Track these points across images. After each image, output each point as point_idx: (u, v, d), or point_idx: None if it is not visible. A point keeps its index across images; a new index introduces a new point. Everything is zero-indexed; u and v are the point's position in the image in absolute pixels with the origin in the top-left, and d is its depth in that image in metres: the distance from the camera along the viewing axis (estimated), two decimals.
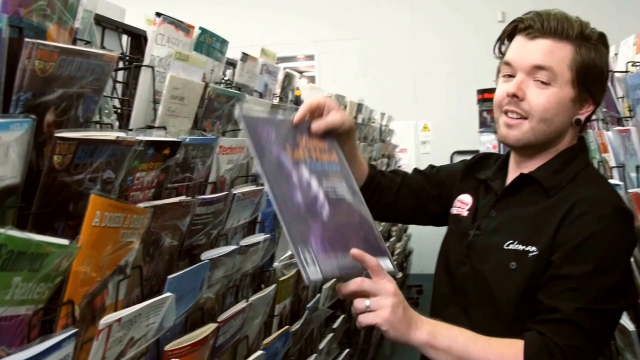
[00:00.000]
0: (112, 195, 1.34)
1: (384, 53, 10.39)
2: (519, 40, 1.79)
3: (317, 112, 1.76)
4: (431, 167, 2.20)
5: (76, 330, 1.16)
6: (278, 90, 2.99)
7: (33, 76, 1.21)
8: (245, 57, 2.49)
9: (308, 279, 1.43)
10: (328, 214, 1.55)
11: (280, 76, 2.99)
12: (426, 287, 8.10)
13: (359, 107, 5.26)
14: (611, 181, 2.14)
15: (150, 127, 1.79)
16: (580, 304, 1.60)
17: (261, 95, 2.71)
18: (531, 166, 1.81)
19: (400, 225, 7.67)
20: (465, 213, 1.93)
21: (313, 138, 1.69)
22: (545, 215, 1.72)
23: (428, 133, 10.38)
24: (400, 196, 2.09)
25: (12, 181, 1.12)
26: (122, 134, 1.38)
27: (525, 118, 1.75)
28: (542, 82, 1.73)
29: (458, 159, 9.87)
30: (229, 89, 2.28)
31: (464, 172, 2.05)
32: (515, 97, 1.75)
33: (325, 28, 10.57)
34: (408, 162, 10.00)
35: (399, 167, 8.37)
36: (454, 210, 1.97)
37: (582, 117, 1.78)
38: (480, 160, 2.06)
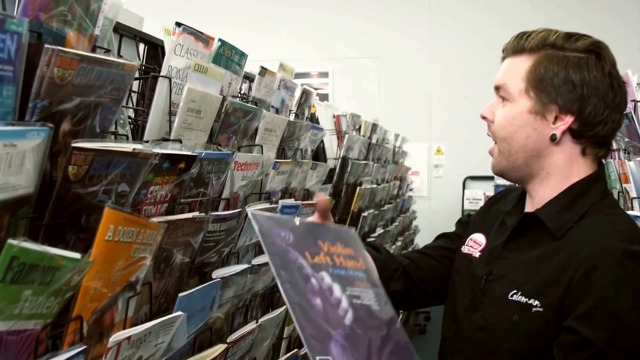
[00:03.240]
0: (127, 209, 1.32)
1: (400, 73, 10.42)
2: None
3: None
4: (459, 222, 2.13)
5: (85, 347, 1.14)
6: (294, 107, 2.98)
7: (51, 84, 1.19)
8: (263, 71, 2.48)
9: None
10: (352, 322, 1.42)
11: (298, 92, 2.97)
12: (434, 313, 8.05)
13: (374, 127, 5.24)
14: (631, 213, 2.08)
15: (166, 140, 1.77)
16: None
17: (277, 111, 2.70)
18: (538, 200, 1.75)
19: (410, 249, 7.64)
20: (477, 254, 1.87)
21: (337, 244, 1.57)
22: (550, 262, 1.64)
23: (441, 157, 10.36)
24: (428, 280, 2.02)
25: (26, 191, 1.11)
26: (138, 146, 1.36)
27: (496, 142, 1.78)
28: (503, 100, 1.75)
29: (471, 184, 10.00)
30: (247, 104, 2.27)
31: (487, 207, 2.01)
32: (485, 119, 1.80)
33: (341, 45, 10.61)
34: (420, 185, 10.01)
35: (411, 189, 8.36)
36: (465, 250, 1.92)
37: (558, 132, 1.69)
38: (505, 193, 2.01)
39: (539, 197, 1.75)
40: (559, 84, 1.67)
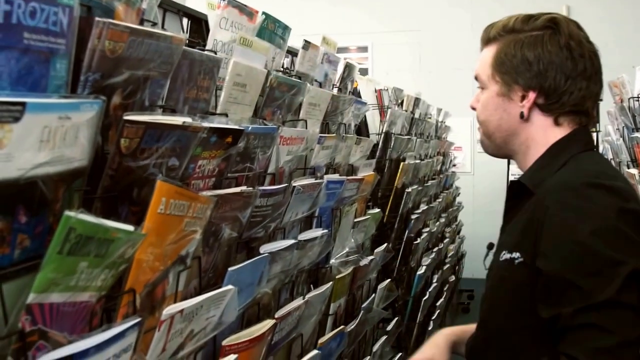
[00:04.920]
0: (178, 182, 1.34)
1: (441, 46, 10.32)
2: None
3: None
4: None
5: (140, 319, 1.17)
6: (337, 81, 2.98)
7: (102, 57, 1.21)
8: (307, 45, 2.49)
9: None
10: None
11: (341, 66, 2.98)
12: (477, 291, 8.04)
13: (416, 101, 5.21)
14: None
15: (212, 114, 1.79)
16: (579, 302, 1.52)
17: (321, 85, 2.71)
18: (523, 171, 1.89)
19: (453, 226, 7.64)
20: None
21: None
22: (527, 216, 1.71)
23: None
24: None
25: (80, 163, 1.13)
26: (188, 119, 1.38)
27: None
28: (482, 89, 1.92)
29: None
30: (291, 78, 2.28)
31: None
32: (474, 109, 1.96)
33: (380, 19, 10.53)
34: (462, 160, 9.95)
35: (454, 165, 8.32)
36: None
37: (524, 110, 1.81)
38: None
39: (525, 168, 1.87)
40: (517, 65, 1.80)
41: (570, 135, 1.82)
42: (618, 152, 4.52)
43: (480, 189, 9.82)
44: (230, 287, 1.50)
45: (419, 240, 4.79)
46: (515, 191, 1.85)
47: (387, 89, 4.57)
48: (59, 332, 1.07)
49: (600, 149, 6.59)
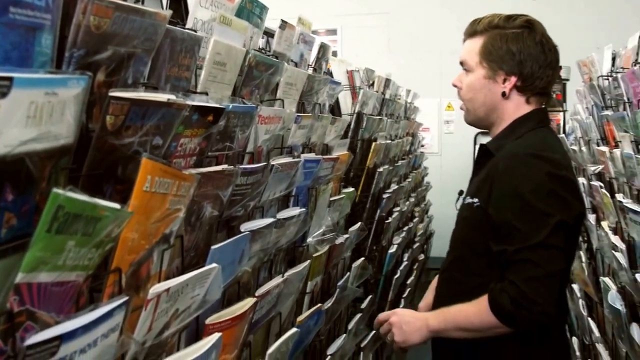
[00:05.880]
0: (163, 160, 1.31)
1: (410, 29, 10.26)
2: None
3: None
4: None
5: (127, 298, 1.14)
6: (312, 62, 2.96)
7: (87, 32, 1.18)
8: (284, 25, 2.46)
9: None
10: None
11: (316, 47, 2.95)
12: None
13: (387, 82, 5.19)
14: None
15: (193, 92, 1.76)
16: (519, 243, 2.06)
17: (297, 65, 2.68)
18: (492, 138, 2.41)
19: (422, 206, 7.65)
20: None
21: None
22: (487, 172, 2.25)
23: (452, 112, 10.24)
24: None
25: (66, 141, 1.09)
26: (172, 97, 1.35)
27: (464, 102, 2.44)
28: (466, 72, 2.39)
29: (482, 140, 9.86)
30: (269, 57, 2.25)
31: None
32: (456, 86, 2.45)
33: (350, 2, 10.47)
34: (430, 141, 9.96)
35: (422, 146, 8.32)
36: None
37: (506, 90, 2.31)
38: None
39: (494, 137, 2.40)
40: (503, 55, 2.29)
41: (530, 114, 2.35)
42: (587, 130, 4.53)
43: (448, 169, 9.83)
44: (214, 265, 1.47)
45: (390, 219, 4.79)
46: (483, 153, 2.40)
47: (359, 70, 4.54)
48: (46, 312, 1.04)
49: (568, 127, 6.64)
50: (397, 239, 5.17)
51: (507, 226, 2.10)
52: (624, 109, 3.28)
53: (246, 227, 1.86)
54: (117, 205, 1.11)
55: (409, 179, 6.19)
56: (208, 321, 1.59)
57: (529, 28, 2.30)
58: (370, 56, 9.72)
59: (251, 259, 1.94)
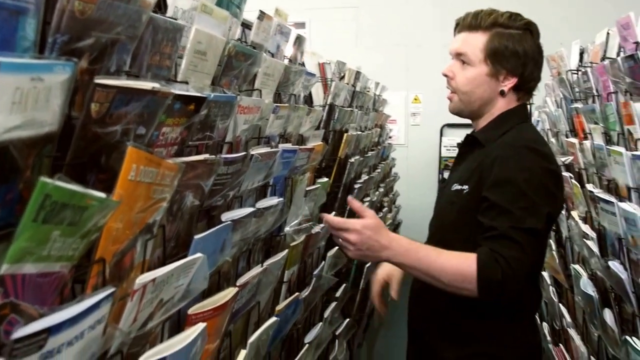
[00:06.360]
0: (149, 149, 1.26)
1: (377, 23, 10.24)
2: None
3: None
4: None
5: (114, 289, 1.09)
6: (289, 52, 2.91)
7: (71, 17, 1.12)
8: (262, 15, 2.40)
9: None
10: None
11: (292, 38, 2.90)
12: None
13: (357, 74, 5.15)
14: (636, 153, 2.38)
15: (174, 81, 1.70)
16: (512, 222, 2.07)
17: (273, 56, 2.63)
18: (478, 128, 2.42)
19: (390, 196, 7.63)
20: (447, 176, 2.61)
21: None
22: (477, 161, 2.29)
23: (419, 105, 10.25)
24: None
25: (51, 128, 1.04)
26: (157, 85, 1.30)
27: (455, 92, 2.40)
28: (463, 63, 2.36)
29: (448, 132, 9.95)
30: (248, 48, 2.20)
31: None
32: (447, 76, 2.42)
33: None
34: (397, 133, 9.94)
35: (390, 137, 8.30)
36: (446, 175, 2.67)
37: (505, 89, 2.34)
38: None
39: (479, 126, 2.43)
40: (509, 55, 2.29)
41: (516, 109, 2.40)
42: (556, 122, 4.54)
43: (415, 160, 9.83)
44: (199, 254, 1.43)
45: None
46: (469, 142, 2.44)
47: (330, 63, 4.51)
48: (30, 304, 0.99)
49: (533, 119, 6.68)
50: None
51: (502, 208, 2.10)
52: (593, 102, 3.29)
53: (227, 216, 1.81)
54: (103, 195, 1.06)
55: (378, 170, 6.15)
56: (190, 311, 1.54)
57: (530, 30, 2.33)
58: (339, 49, 9.66)
59: (232, 249, 1.90)
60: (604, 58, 3.37)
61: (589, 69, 3.40)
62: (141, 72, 1.53)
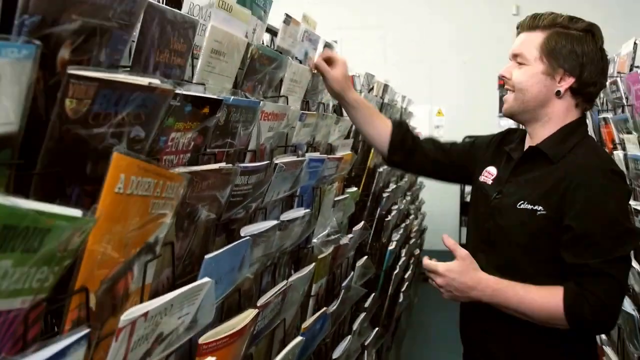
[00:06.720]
0: (141, 156, 0.95)
1: (402, 41, 10.11)
2: None
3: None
4: (468, 137, 2.52)
5: (87, 331, 0.79)
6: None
7: None
8: (288, 19, 2.10)
9: None
10: None
11: (321, 45, 2.60)
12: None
13: (385, 87, 4.89)
14: None
15: (188, 83, 1.41)
16: (602, 256, 1.85)
17: (301, 63, 2.33)
18: (538, 139, 2.07)
19: (416, 204, 7.36)
20: (490, 182, 2.16)
21: None
22: (550, 179, 1.97)
23: (442, 118, 10.01)
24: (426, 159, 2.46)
25: (4, 129, 0.75)
26: (155, 80, 1.00)
27: (513, 91, 2.08)
28: (519, 64, 2.07)
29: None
30: (272, 50, 1.90)
31: (496, 144, 2.28)
32: (504, 77, 2.11)
33: (347, 16, 10.23)
34: None
35: None
36: (481, 179, 2.20)
37: (562, 89, 2.01)
38: (508, 133, 2.30)
39: (538, 136, 2.07)
40: (566, 54, 2.00)
41: (580, 120, 2.09)
42: None
43: None
44: (206, 279, 1.12)
45: (389, 217, 4.45)
46: (531, 154, 2.08)
47: (359, 75, 4.25)
48: None
49: None
50: (395, 236, 4.85)
51: (591, 239, 1.87)
52: (623, 112, 3.00)
53: (247, 230, 1.51)
54: (75, 212, 0.76)
55: (405, 179, 5.85)
56: (202, 340, 1.23)
57: (592, 33, 2.04)
58: (368, 67, 9.41)
59: (253, 265, 1.59)
60: (632, 67, 3.12)
61: (618, 79, 3.08)
62: (147, 70, 1.23)
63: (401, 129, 2.48)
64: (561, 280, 1.90)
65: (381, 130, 2.46)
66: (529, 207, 1.97)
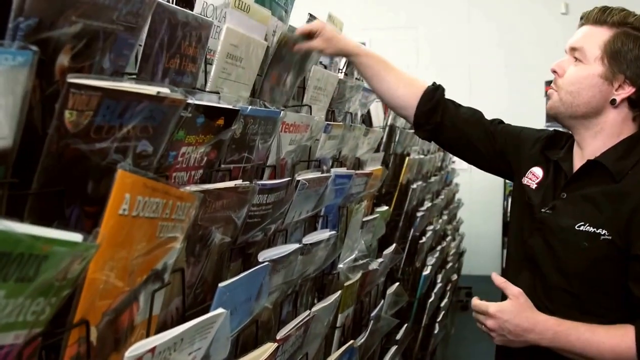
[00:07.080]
0: (148, 173, 0.95)
1: (438, 43, 10.17)
2: None
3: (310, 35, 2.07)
4: (501, 121, 2.48)
5: None
6: (343, 66, 2.61)
7: None
8: (312, 19, 2.11)
9: None
10: None
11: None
12: (475, 288, 7.75)
13: None
14: None
15: (200, 90, 1.41)
16: None
17: (326, 68, 2.34)
18: (590, 151, 2.01)
19: (454, 224, 7.34)
20: (534, 186, 2.12)
21: None
22: (615, 200, 1.92)
23: None
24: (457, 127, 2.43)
25: None
26: (165, 90, 1.00)
27: (557, 90, 2.03)
28: (576, 60, 1.99)
29: None
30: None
31: (540, 145, 2.20)
32: (555, 73, 2.04)
33: (378, 15, 10.26)
34: None
35: (453, 162, 7.99)
36: (525, 181, 2.16)
37: (618, 98, 1.95)
38: (554, 138, 2.21)
39: (590, 148, 2.01)
40: (632, 59, 1.93)
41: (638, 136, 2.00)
42: None
43: (477, 186, 9.50)
44: (220, 310, 1.11)
45: (424, 239, 4.44)
46: (589, 169, 1.99)
47: None
48: None
49: None
50: (430, 260, 4.82)
51: None
52: None
53: (265, 255, 1.51)
54: (75, 236, 0.76)
55: (442, 196, 5.84)
56: None
57: None
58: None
59: (272, 294, 1.59)
60: None
61: None
62: (155, 78, 1.24)
63: (431, 97, 2.40)
64: (616, 312, 1.89)
65: (402, 92, 2.40)
66: (591, 229, 1.92)
